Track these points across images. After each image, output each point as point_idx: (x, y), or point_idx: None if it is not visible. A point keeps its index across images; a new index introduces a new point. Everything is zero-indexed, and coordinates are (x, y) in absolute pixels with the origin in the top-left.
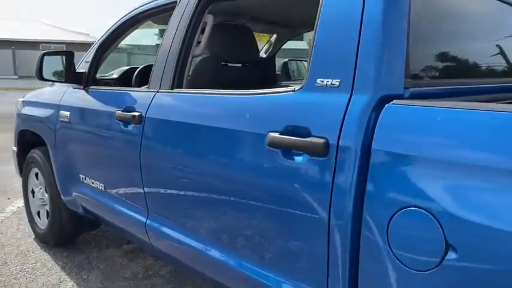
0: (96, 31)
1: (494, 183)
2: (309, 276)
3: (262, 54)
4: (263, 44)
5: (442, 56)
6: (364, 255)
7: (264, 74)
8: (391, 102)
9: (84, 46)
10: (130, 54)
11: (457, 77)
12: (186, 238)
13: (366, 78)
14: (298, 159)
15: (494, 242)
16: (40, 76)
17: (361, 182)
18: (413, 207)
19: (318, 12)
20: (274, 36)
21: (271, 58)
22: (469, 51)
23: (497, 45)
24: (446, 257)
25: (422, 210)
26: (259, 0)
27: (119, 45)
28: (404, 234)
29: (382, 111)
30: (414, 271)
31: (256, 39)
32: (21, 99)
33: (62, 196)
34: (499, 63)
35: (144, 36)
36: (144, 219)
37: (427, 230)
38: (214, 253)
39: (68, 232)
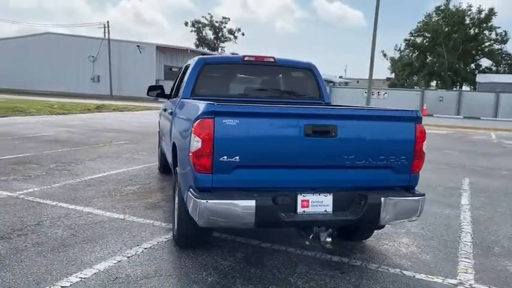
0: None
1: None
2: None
3: None
4: None
5: (207, 86)
6: (172, 130)
7: None
8: (183, 99)
9: None
10: None
11: (214, 93)
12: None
13: (181, 93)
14: (171, 114)
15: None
16: (147, 94)
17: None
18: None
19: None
20: None
21: None
22: (217, 87)
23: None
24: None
25: (176, 117)
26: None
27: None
28: (176, 125)
29: (180, 101)
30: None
31: None
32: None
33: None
34: (232, 90)
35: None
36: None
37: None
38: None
39: (162, 160)
